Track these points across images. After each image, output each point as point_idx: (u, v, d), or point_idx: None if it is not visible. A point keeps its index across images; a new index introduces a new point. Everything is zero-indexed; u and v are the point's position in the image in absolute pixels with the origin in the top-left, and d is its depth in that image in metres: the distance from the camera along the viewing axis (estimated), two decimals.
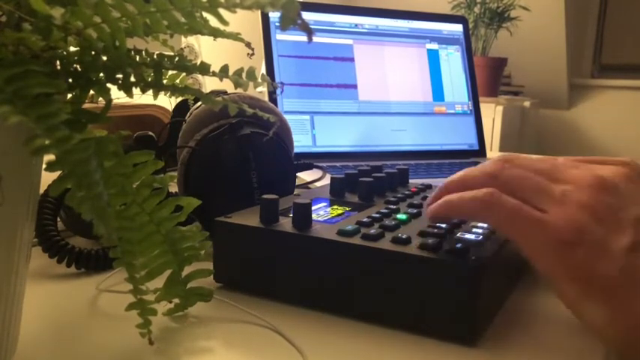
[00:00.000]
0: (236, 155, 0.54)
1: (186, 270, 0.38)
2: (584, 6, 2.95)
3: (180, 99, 0.75)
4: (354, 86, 1.01)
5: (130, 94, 0.31)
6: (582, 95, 3.01)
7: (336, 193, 0.52)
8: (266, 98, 0.84)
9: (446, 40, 1.13)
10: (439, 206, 0.39)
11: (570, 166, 0.38)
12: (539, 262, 0.35)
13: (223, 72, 0.33)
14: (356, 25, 1.04)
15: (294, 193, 0.58)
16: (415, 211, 0.47)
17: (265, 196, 0.43)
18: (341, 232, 0.40)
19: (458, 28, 1.15)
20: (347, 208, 0.48)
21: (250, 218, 0.43)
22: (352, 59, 1.02)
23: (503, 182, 0.37)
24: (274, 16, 0.95)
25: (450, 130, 1.09)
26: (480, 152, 1.10)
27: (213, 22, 0.29)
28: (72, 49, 0.29)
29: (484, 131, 1.12)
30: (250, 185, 0.54)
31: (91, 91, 0.30)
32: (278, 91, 0.92)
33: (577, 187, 0.35)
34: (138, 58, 0.32)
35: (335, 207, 0.48)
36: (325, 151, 0.96)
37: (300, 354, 0.35)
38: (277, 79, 0.95)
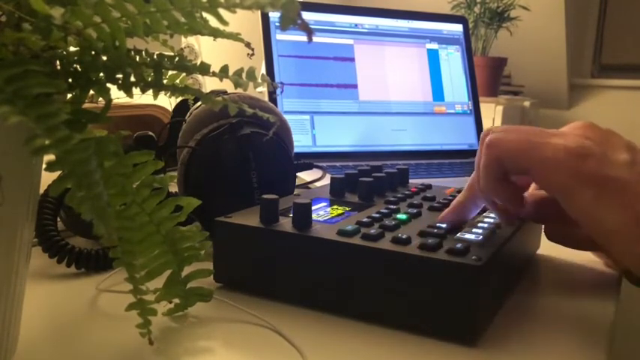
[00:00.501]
0: (236, 155, 0.54)
1: (186, 270, 0.38)
2: (584, 6, 2.95)
3: (180, 99, 0.75)
4: (355, 86, 1.01)
5: (130, 94, 0.31)
6: (582, 95, 3.01)
7: (336, 193, 0.52)
8: (266, 98, 0.84)
9: (446, 40, 1.13)
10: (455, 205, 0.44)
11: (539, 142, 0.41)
12: (553, 178, 0.38)
13: (223, 72, 0.33)
14: (356, 25, 1.04)
15: (294, 193, 0.58)
16: (415, 211, 0.47)
17: (265, 196, 0.43)
18: (341, 232, 0.40)
19: (458, 28, 1.15)
20: (347, 208, 0.48)
21: (250, 218, 0.43)
22: (352, 59, 1.02)
23: (502, 150, 0.40)
24: (274, 16, 0.95)
25: (450, 130, 1.09)
26: None
27: (213, 22, 0.29)
28: (72, 49, 0.29)
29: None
30: (250, 185, 0.54)
31: (91, 91, 0.30)
32: (278, 91, 0.92)
33: (569, 130, 0.41)
34: (138, 58, 0.32)
35: (335, 207, 0.48)
36: (325, 151, 0.96)
37: (300, 354, 0.35)
38: (277, 79, 0.95)
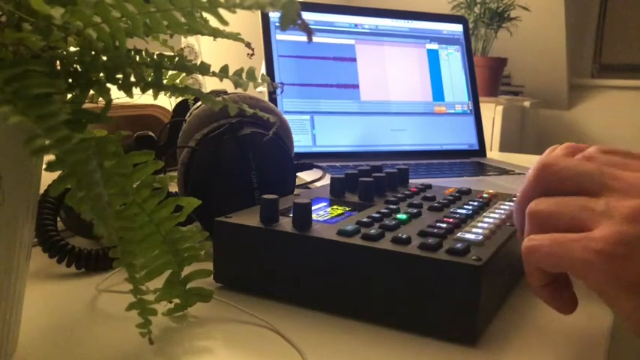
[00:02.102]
0: (236, 155, 0.54)
1: (186, 270, 0.38)
2: (584, 6, 2.95)
3: (180, 99, 0.75)
4: (356, 86, 1.01)
5: (130, 94, 0.31)
6: (582, 95, 3.01)
7: (336, 193, 0.52)
8: (266, 98, 0.84)
9: (446, 40, 1.13)
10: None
11: (617, 165, 0.35)
12: (588, 283, 0.33)
13: (223, 72, 0.33)
14: (356, 25, 1.04)
15: (294, 193, 0.58)
16: (415, 211, 0.47)
17: (265, 196, 0.43)
18: (341, 232, 0.40)
19: (458, 28, 1.15)
20: (347, 208, 0.48)
21: (250, 218, 0.43)
22: (354, 59, 1.02)
23: (544, 217, 0.35)
24: (274, 16, 0.95)
25: (449, 130, 1.09)
26: (480, 152, 1.10)
27: (213, 22, 0.29)
28: (72, 49, 0.29)
29: (484, 131, 1.12)
30: (250, 185, 0.54)
31: (91, 91, 0.30)
32: (278, 91, 0.92)
33: (622, 195, 0.33)
34: (138, 58, 0.32)
35: (335, 207, 0.48)
36: (325, 151, 0.96)
37: (300, 354, 0.35)
38: (277, 79, 0.95)
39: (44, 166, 0.25)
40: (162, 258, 0.37)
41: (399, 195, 0.52)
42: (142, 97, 0.33)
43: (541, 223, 0.35)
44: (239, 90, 0.34)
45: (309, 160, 0.66)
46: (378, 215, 0.44)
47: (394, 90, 1.05)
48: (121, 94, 0.31)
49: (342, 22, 1.03)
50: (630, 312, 0.32)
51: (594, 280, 0.32)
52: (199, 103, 0.58)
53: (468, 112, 1.12)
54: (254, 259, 0.43)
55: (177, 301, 0.39)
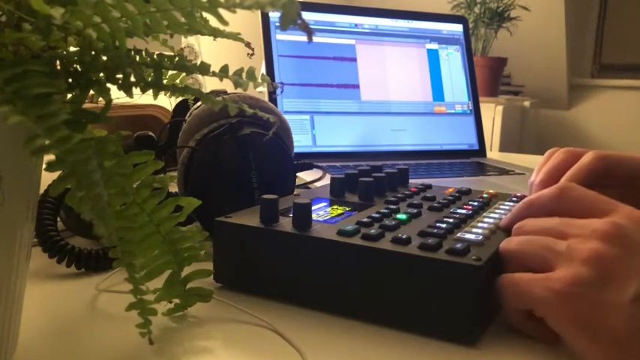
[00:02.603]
0: (236, 155, 0.54)
1: (186, 270, 0.38)
2: (584, 6, 2.95)
3: (180, 99, 0.75)
4: (356, 86, 1.01)
5: (130, 94, 0.31)
6: (582, 95, 3.01)
7: (336, 193, 0.52)
8: (266, 98, 0.84)
9: (446, 40, 1.13)
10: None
11: (583, 211, 0.38)
12: (548, 321, 0.35)
13: (223, 72, 0.33)
14: (356, 25, 1.04)
15: (294, 193, 0.58)
16: (415, 211, 0.47)
17: (265, 196, 0.43)
18: (341, 232, 0.40)
19: (458, 28, 1.15)
20: (347, 208, 0.48)
21: (250, 218, 0.43)
22: (354, 59, 1.02)
23: (515, 256, 0.39)
24: (274, 16, 0.95)
25: (449, 130, 1.09)
26: (480, 152, 1.10)
27: (213, 22, 0.29)
28: (72, 49, 0.29)
29: (484, 131, 1.12)
30: (250, 185, 0.54)
31: (91, 91, 0.30)
32: (278, 91, 0.92)
33: (583, 240, 0.35)
34: (138, 58, 0.32)
35: (335, 207, 0.48)
36: (325, 151, 0.96)
37: (300, 354, 0.35)
38: (277, 79, 0.95)
39: (44, 166, 0.25)
40: (162, 258, 0.37)
41: (399, 195, 0.52)
42: (142, 97, 0.33)
43: (514, 262, 0.38)
44: (239, 90, 0.34)
45: (309, 160, 0.66)
46: (378, 215, 0.44)
47: (394, 90, 1.05)
48: (121, 94, 0.31)
49: (342, 22, 1.03)
50: (584, 350, 0.34)
51: (553, 319, 0.35)
52: (199, 103, 0.58)
53: (468, 112, 1.12)
54: (254, 259, 0.43)
55: (177, 301, 0.39)
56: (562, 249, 0.36)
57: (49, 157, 0.24)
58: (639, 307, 0.33)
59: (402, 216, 0.45)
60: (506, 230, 0.42)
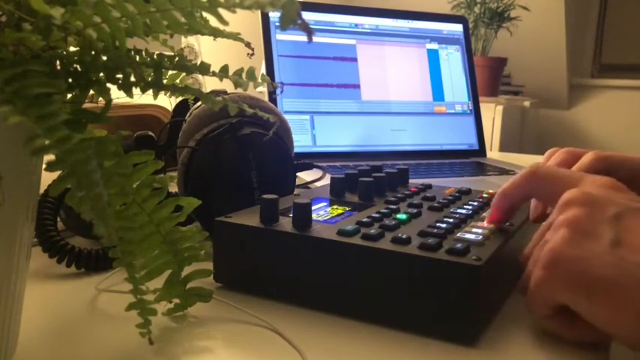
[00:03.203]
0: (236, 155, 0.54)
1: (186, 270, 0.38)
2: (584, 6, 2.95)
3: (180, 99, 0.75)
4: (357, 86, 1.01)
5: (130, 94, 0.31)
6: (582, 95, 3.01)
7: (336, 193, 0.52)
8: (266, 98, 0.84)
9: (446, 40, 1.13)
10: None
11: (555, 186, 0.41)
12: (555, 293, 0.36)
13: (223, 72, 0.33)
14: (356, 25, 1.04)
15: (294, 193, 0.58)
16: (415, 211, 0.47)
17: (265, 196, 0.43)
18: (341, 232, 0.40)
19: (458, 28, 1.15)
20: (347, 208, 0.48)
21: (250, 218, 0.43)
22: (355, 59, 1.02)
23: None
24: (274, 16, 0.95)
25: (449, 130, 1.09)
26: (480, 152, 1.10)
27: (213, 22, 0.29)
28: (72, 49, 0.29)
29: (484, 131, 1.12)
30: (250, 185, 0.54)
31: (91, 91, 0.30)
32: (278, 91, 0.92)
33: (558, 211, 0.38)
34: (138, 58, 0.32)
35: (335, 207, 0.48)
36: (325, 151, 0.96)
37: (300, 354, 0.35)
38: (277, 79, 0.95)
39: (44, 166, 0.25)
40: (162, 258, 0.37)
41: (399, 195, 0.52)
42: (142, 97, 0.33)
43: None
44: (239, 90, 0.34)
45: (309, 160, 0.66)
46: (378, 215, 0.44)
47: (394, 90, 1.05)
48: (121, 94, 0.31)
49: (343, 22, 1.03)
50: (587, 310, 0.35)
51: (557, 292, 0.36)
52: (199, 103, 0.58)
53: (468, 112, 1.12)
54: (254, 259, 0.43)
55: (177, 301, 0.39)
56: (544, 231, 0.39)
57: (49, 157, 0.24)
58: (620, 250, 0.34)
59: (402, 216, 0.45)
60: (492, 223, 0.44)
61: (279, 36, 0.96)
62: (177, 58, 0.33)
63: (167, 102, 0.87)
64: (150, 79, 0.32)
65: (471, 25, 2.29)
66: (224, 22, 0.29)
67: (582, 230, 0.36)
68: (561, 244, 0.36)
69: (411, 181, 0.61)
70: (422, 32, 1.11)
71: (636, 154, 0.51)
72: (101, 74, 0.30)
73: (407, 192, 0.54)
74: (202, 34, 0.31)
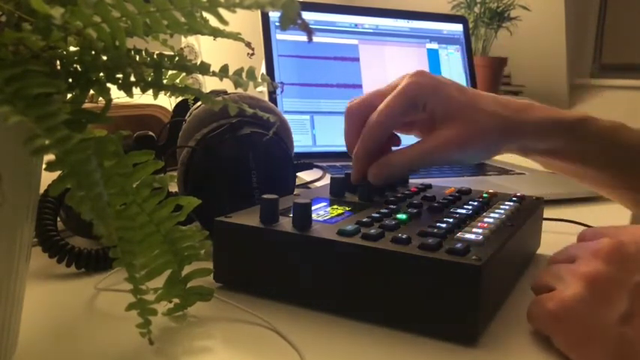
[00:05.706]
0: (236, 155, 0.54)
1: (186, 270, 0.38)
2: (584, 6, 2.95)
3: (180, 99, 0.75)
4: (359, 86, 1.01)
5: (130, 94, 0.31)
6: (582, 95, 3.01)
7: (336, 193, 0.52)
8: (266, 98, 0.84)
9: (446, 40, 1.13)
10: None
11: (593, 235, 0.39)
12: (551, 336, 0.36)
13: (223, 72, 0.33)
14: (356, 24, 1.04)
15: (294, 193, 0.58)
16: (415, 211, 0.47)
17: (265, 196, 0.43)
18: (341, 232, 0.40)
19: (458, 28, 1.15)
20: (347, 208, 0.48)
21: (250, 218, 0.43)
22: (357, 59, 1.02)
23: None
24: (274, 16, 0.95)
25: None
26: None
27: (213, 22, 0.29)
28: (72, 49, 0.29)
29: None
30: (250, 185, 0.54)
31: (91, 91, 0.30)
32: (278, 91, 0.92)
33: (583, 261, 0.37)
34: (138, 58, 0.32)
35: (335, 207, 0.48)
36: (325, 150, 0.96)
37: (299, 354, 0.35)
38: (277, 79, 0.95)
39: (44, 166, 0.25)
40: (162, 258, 0.37)
41: (399, 195, 0.52)
42: (142, 97, 0.33)
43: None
44: (239, 90, 0.34)
45: (309, 160, 0.66)
46: (378, 215, 0.44)
47: None
48: (121, 94, 0.31)
49: (343, 22, 1.03)
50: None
51: (552, 337, 0.36)
52: (199, 103, 0.58)
53: None
54: (254, 259, 0.42)
55: (177, 300, 0.39)
56: (563, 271, 0.37)
57: (49, 157, 0.24)
58: (626, 327, 0.33)
59: (402, 216, 0.45)
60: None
61: (279, 36, 0.96)
62: (177, 58, 0.33)
63: (167, 102, 0.87)
64: (150, 79, 0.32)
65: (471, 25, 2.28)
66: (224, 22, 0.29)
67: (599, 291, 0.34)
68: (572, 299, 0.35)
69: (411, 181, 0.61)
70: (422, 32, 1.11)
71: None
72: (101, 74, 0.30)
73: (407, 192, 0.54)
74: (202, 34, 0.31)
